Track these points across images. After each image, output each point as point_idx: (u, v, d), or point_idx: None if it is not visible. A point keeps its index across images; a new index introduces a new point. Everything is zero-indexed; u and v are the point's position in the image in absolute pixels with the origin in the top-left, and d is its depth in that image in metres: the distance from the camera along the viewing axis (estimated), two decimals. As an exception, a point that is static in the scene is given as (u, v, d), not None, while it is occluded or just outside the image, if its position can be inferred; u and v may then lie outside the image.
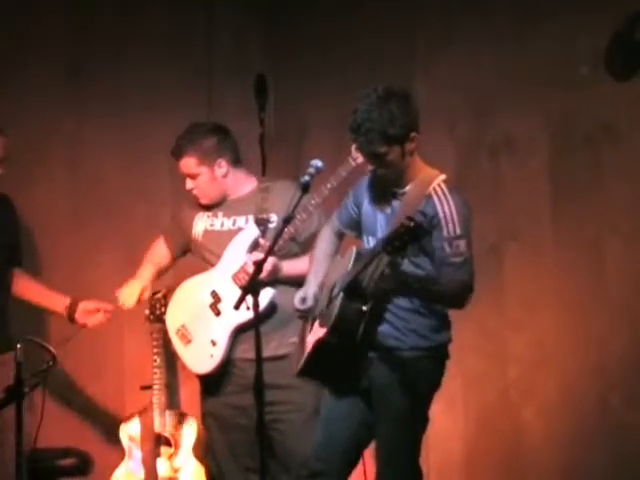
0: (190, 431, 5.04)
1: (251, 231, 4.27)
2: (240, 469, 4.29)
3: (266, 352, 3.98)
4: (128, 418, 5.06)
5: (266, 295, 4.16)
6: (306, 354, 3.79)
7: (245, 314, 3.92)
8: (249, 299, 3.63)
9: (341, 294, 3.70)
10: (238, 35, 5.65)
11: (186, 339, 4.33)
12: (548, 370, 4.76)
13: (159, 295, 4.96)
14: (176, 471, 5.01)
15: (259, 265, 3.65)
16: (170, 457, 5.01)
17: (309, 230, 4.27)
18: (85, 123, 5.31)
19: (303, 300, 3.88)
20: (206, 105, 5.47)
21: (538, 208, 4.86)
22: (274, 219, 4.23)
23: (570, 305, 4.81)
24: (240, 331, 4.21)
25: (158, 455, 4.96)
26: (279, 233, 3.77)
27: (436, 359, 3.80)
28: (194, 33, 5.55)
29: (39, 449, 4.49)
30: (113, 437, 5.06)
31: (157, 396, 4.99)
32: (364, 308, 3.67)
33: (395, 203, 3.76)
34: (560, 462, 4.78)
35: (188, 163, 4.34)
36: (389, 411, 3.73)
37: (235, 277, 4.24)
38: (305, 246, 4.29)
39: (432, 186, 3.72)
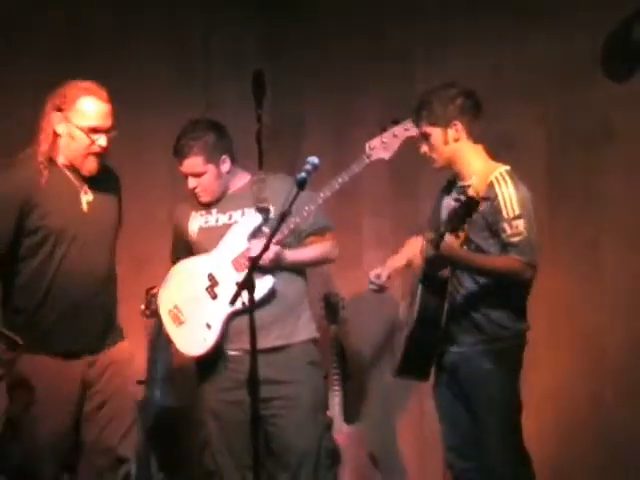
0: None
1: (254, 218, 4.25)
2: (237, 466, 4.26)
3: (266, 343, 3.99)
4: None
5: (266, 283, 4.16)
6: (401, 352, 3.98)
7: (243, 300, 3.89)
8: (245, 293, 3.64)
9: (420, 286, 3.91)
10: (236, 31, 5.65)
11: (178, 320, 4.29)
12: (542, 368, 4.77)
13: (155, 291, 4.96)
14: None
15: (254, 261, 3.66)
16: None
17: (309, 228, 4.28)
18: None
19: (378, 276, 4.16)
20: (203, 101, 5.48)
21: (535, 208, 4.87)
22: (272, 209, 4.22)
23: (565, 305, 4.82)
24: (238, 315, 4.17)
25: (154, 448, 4.98)
26: (276, 229, 3.78)
27: (515, 346, 3.97)
28: (192, 28, 5.56)
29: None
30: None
31: (151, 390, 5.00)
32: (443, 292, 3.91)
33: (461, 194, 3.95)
34: (552, 456, 4.79)
35: (194, 162, 4.28)
36: (484, 400, 3.93)
37: (235, 262, 4.23)
38: (301, 240, 4.30)
39: (494, 174, 3.91)
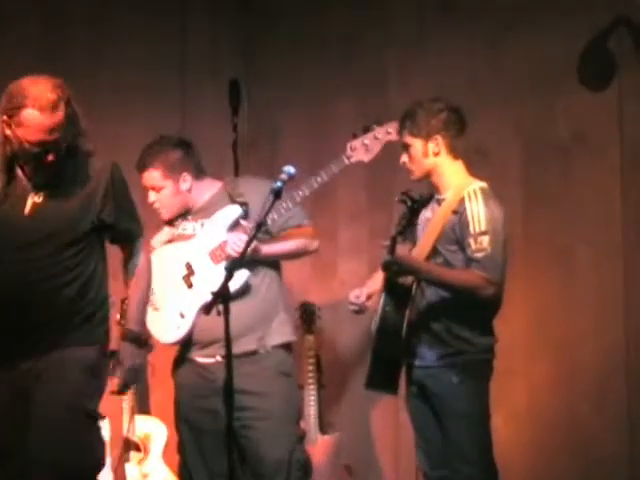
0: (160, 436, 5.04)
1: (234, 209, 4.24)
2: (211, 475, 4.25)
3: (237, 348, 3.96)
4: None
5: (240, 277, 4.11)
6: (368, 366, 3.99)
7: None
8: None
9: (382, 295, 3.92)
10: (211, 40, 5.64)
11: (154, 306, 4.26)
12: (517, 377, 4.78)
13: (130, 300, 4.94)
14: (145, 476, 5.00)
15: (230, 272, 3.64)
16: (140, 462, 5.00)
17: (285, 224, 4.25)
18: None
19: (357, 297, 4.11)
20: (179, 110, 5.47)
21: (509, 216, 4.87)
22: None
23: (540, 313, 4.84)
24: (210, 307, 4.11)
25: (127, 460, 4.95)
26: (252, 237, 3.78)
27: (481, 360, 3.94)
28: (167, 38, 5.54)
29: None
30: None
31: (127, 401, 4.98)
32: (406, 301, 3.91)
33: (436, 208, 3.98)
34: (528, 469, 4.80)
35: (152, 175, 4.28)
36: (451, 414, 3.91)
37: (212, 254, 4.22)
38: (277, 235, 4.27)
39: (467, 189, 3.92)
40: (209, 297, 3.94)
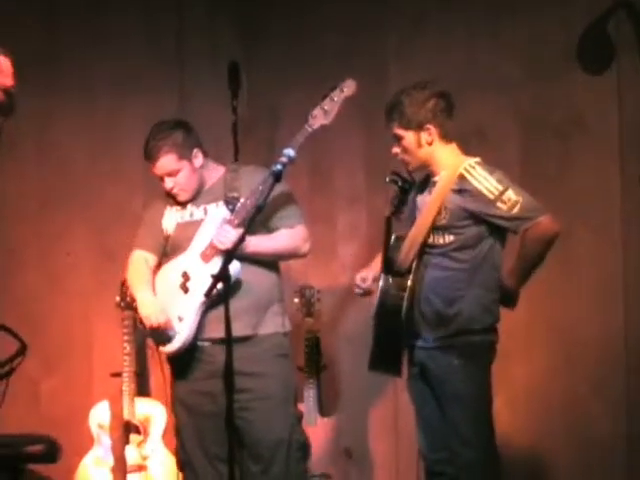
0: (159, 419, 5.05)
1: (219, 212, 4.23)
2: (208, 457, 4.26)
3: (233, 332, 3.97)
4: (97, 405, 5.06)
5: (233, 269, 4.06)
6: (371, 348, 4.00)
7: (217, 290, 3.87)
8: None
9: (381, 276, 3.91)
10: (209, 22, 5.63)
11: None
12: (517, 360, 4.79)
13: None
14: (145, 458, 5.01)
15: (230, 253, 3.64)
16: (139, 444, 5.02)
17: (278, 223, 4.24)
18: (55, 109, 5.29)
19: (364, 280, 4.09)
20: (177, 92, 5.46)
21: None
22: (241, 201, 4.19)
23: (539, 296, 4.82)
24: (209, 308, 4.15)
25: (127, 442, 4.96)
26: (250, 220, 3.75)
27: (484, 341, 3.93)
28: (165, 20, 5.53)
29: (6, 435, 4.47)
30: (82, 424, 5.06)
31: (127, 383, 5.00)
32: (405, 282, 3.89)
33: (432, 190, 3.96)
34: (525, 449, 4.82)
35: (168, 161, 4.24)
36: (450, 395, 3.91)
37: (203, 254, 4.21)
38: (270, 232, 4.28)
39: (462, 166, 3.90)
40: (203, 297, 4.00)
